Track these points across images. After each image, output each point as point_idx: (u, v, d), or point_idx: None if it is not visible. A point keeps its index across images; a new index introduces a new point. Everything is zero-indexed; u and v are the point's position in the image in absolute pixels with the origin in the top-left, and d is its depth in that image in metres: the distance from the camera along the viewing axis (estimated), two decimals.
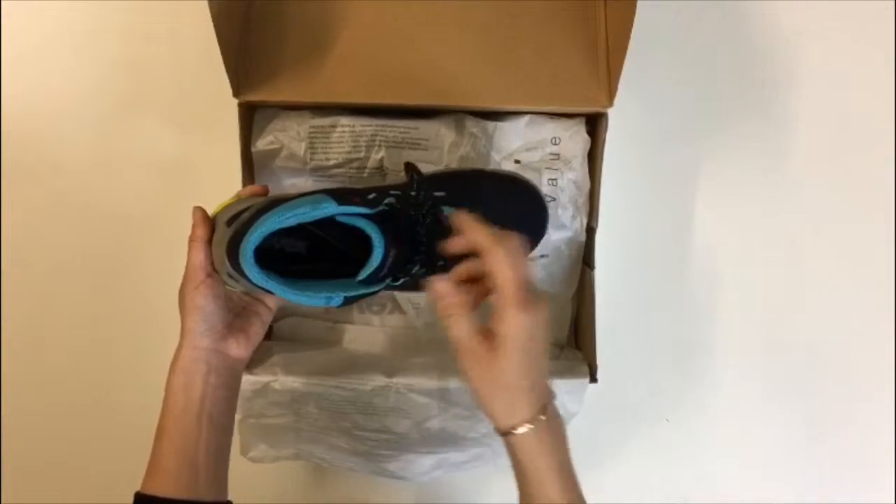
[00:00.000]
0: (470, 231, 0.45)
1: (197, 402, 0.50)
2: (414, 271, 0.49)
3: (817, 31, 0.70)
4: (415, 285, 0.50)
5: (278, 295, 0.47)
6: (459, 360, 0.45)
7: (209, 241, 0.51)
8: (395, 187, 0.50)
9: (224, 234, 0.48)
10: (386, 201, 0.48)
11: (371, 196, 0.48)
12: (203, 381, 0.51)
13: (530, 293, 0.43)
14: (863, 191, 0.71)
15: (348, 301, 0.48)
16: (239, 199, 0.53)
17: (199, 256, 0.50)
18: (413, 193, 0.50)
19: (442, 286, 0.46)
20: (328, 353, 0.64)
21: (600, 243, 0.64)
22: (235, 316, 0.55)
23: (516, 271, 0.43)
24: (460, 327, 0.45)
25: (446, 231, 0.48)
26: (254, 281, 0.46)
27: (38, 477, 0.72)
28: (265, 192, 0.55)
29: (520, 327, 0.43)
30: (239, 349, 0.53)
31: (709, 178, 0.71)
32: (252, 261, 0.46)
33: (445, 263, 0.48)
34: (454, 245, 0.47)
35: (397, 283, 0.49)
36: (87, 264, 0.70)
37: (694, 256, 0.71)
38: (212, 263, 0.51)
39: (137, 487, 0.50)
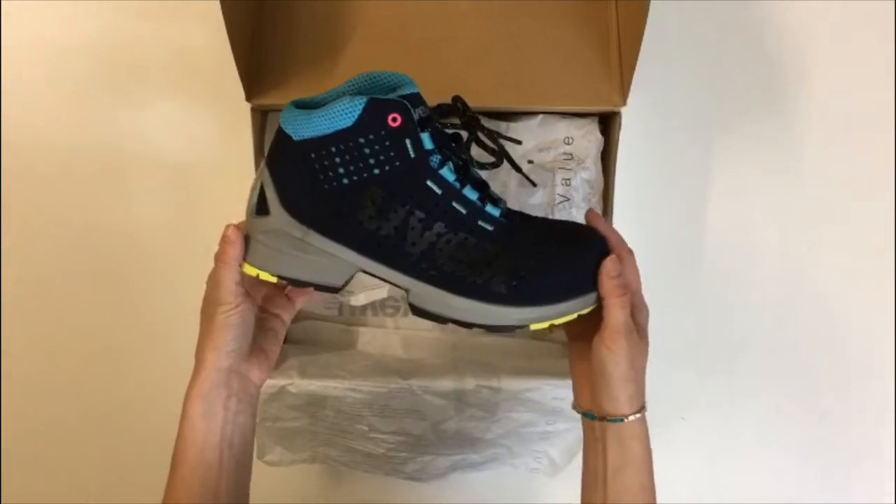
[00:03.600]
0: (606, 230, 0.51)
1: (218, 430, 0.48)
2: (456, 154, 0.48)
3: (828, 30, 0.70)
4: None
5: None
6: (607, 341, 0.47)
7: (241, 261, 0.48)
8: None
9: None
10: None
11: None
12: (223, 406, 0.48)
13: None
14: (873, 188, 0.71)
15: (373, 108, 0.43)
16: None
17: (235, 278, 0.48)
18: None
19: (615, 266, 0.47)
20: (343, 356, 0.64)
21: None
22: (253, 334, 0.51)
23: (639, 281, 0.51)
24: (626, 309, 0.47)
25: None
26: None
27: (37, 479, 0.72)
28: None
29: (646, 326, 0.51)
30: (260, 372, 0.51)
31: (721, 176, 0.71)
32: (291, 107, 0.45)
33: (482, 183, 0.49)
34: (595, 219, 0.52)
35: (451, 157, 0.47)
36: (96, 269, 0.70)
37: (707, 254, 0.71)
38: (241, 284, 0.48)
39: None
